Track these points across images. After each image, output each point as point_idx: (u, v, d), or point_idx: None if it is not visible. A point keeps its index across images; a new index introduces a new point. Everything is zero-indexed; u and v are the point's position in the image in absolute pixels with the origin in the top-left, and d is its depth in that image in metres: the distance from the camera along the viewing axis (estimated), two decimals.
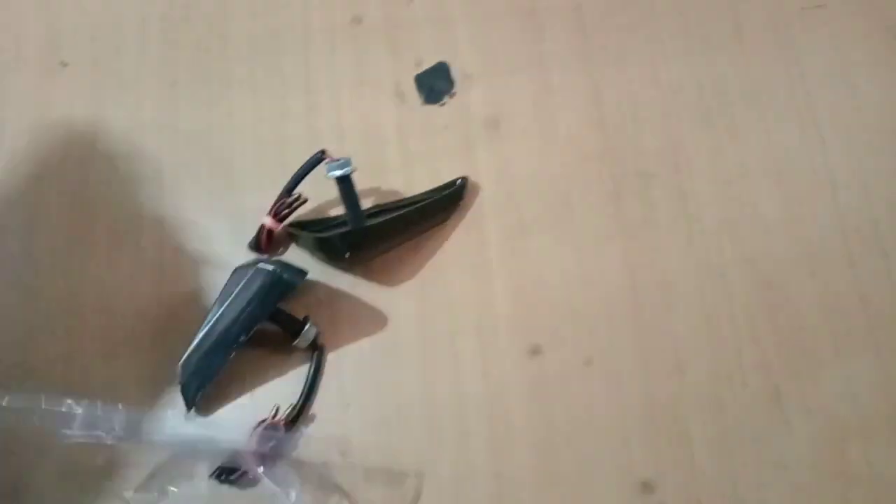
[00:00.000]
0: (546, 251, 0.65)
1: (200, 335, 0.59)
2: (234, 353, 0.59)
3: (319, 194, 0.66)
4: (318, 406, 0.61)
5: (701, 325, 0.63)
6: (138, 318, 0.64)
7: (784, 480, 0.59)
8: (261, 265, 0.59)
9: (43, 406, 0.55)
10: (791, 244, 0.65)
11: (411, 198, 0.66)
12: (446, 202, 0.66)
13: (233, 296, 0.59)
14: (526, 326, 0.63)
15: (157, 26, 0.73)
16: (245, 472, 0.57)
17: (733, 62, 0.70)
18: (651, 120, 0.69)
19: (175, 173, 0.68)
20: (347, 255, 0.61)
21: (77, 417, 0.56)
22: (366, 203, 0.65)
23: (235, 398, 0.62)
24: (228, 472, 0.57)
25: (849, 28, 0.71)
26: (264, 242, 0.64)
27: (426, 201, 0.64)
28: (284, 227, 0.64)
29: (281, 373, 0.62)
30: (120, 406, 0.57)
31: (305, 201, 0.64)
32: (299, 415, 0.60)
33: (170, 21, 0.73)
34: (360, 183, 0.62)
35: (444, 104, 0.70)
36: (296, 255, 0.65)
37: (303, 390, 0.61)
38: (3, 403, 0.55)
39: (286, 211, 0.63)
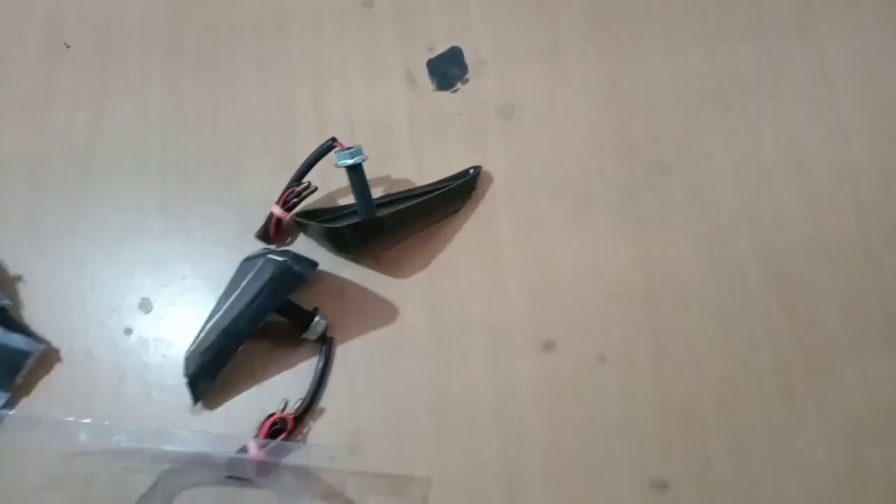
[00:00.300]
0: (559, 243, 0.64)
1: (208, 327, 0.58)
2: (242, 346, 0.58)
3: (328, 183, 0.65)
4: (327, 400, 0.60)
5: (716, 321, 0.62)
6: (143, 307, 0.63)
7: (799, 480, 0.59)
8: (270, 256, 0.57)
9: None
10: (810, 239, 0.64)
11: (423, 187, 0.65)
12: (459, 192, 0.64)
13: (241, 287, 0.57)
14: (539, 321, 0.62)
15: (165, 8, 0.71)
16: (251, 480, 0.56)
17: (754, 51, 0.68)
18: (669, 110, 0.67)
19: (180, 159, 0.67)
20: (357, 245, 0.59)
21: (85, 428, 0.55)
22: (376, 192, 0.63)
23: (243, 391, 0.60)
24: (237, 478, 0.57)
25: (872, 18, 0.69)
26: (272, 232, 0.62)
27: (438, 191, 0.63)
28: (293, 216, 0.63)
29: (289, 365, 0.61)
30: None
31: (315, 190, 0.62)
32: (308, 408, 0.59)
33: (177, 3, 0.71)
34: (369, 171, 0.60)
35: (456, 90, 0.68)
36: (304, 245, 0.64)
37: (311, 384, 0.60)
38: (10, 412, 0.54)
39: (295, 200, 0.62)
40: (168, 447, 0.56)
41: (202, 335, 0.58)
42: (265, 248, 0.62)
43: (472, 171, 0.65)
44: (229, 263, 0.62)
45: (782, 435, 0.59)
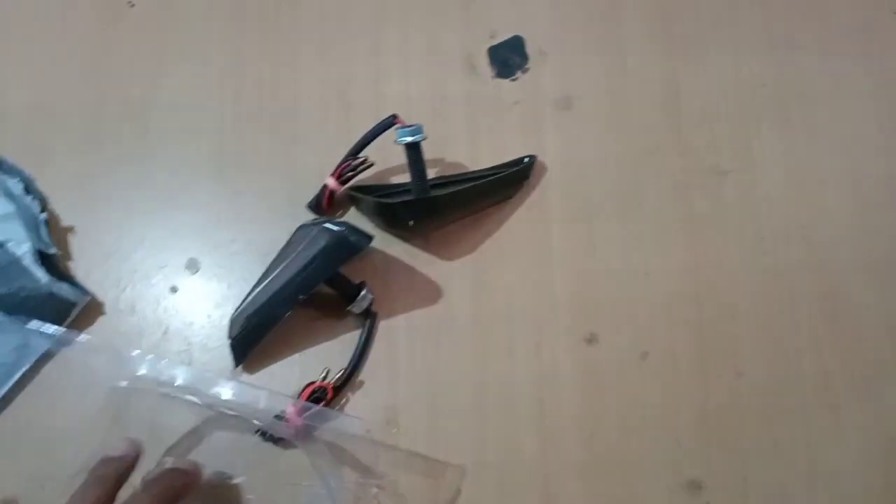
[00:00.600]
0: (609, 239, 0.64)
1: (256, 291, 0.58)
2: (289, 313, 0.58)
3: (381, 160, 0.65)
4: (367, 373, 0.60)
5: (761, 330, 0.62)
6: (190, 267, 0.63)
7: (833, 493, 0.58)
8: (327, 225, 0.57)
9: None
10: (860, 254, 0.64)
11: (477, 172, 0.65)
12: (512, 179, 0.64)
13: (295, 253, 0.57)
14: (583, 313, 0.62)
15: None
16: (286, 440, 0.56)
17: (816, 62, 0.68)
18: (728, 115, 0.67)
19: (236, 126, 0.67)
20: (411, 223, 0.60)
21: (144, 362, 0.56)
22: (429, 173, 0.63)
23: (284, 358, 0.60)
24: (272, 437, 0.57)
25: None
26: (325, 204, 0.62)
27: (493, 177, 0.63)
28: (346, 189, 0.63)
29: (331, 336, 0.61)
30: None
31: (371, 165, 0.62)
32: (348, 380, 0.59)
33: None
34: (425, 152, 0.60)
35: (515, 79, 0.68)
36: (354, 220, 0.64)
37: (353, 356, 0.60)
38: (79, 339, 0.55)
39: (350, 173, 0.62)
40: (216, 390, 0.56)
41: (250, 298, 0.59)
42: (321, 218, 0.62)
43: (526, 159, 0.65)
44: (278, 231, 0.62)
45: (820, 449, 0.59)
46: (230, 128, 0.67)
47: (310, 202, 0.63)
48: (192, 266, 0.63)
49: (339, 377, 0.59)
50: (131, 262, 0.63)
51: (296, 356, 0.60)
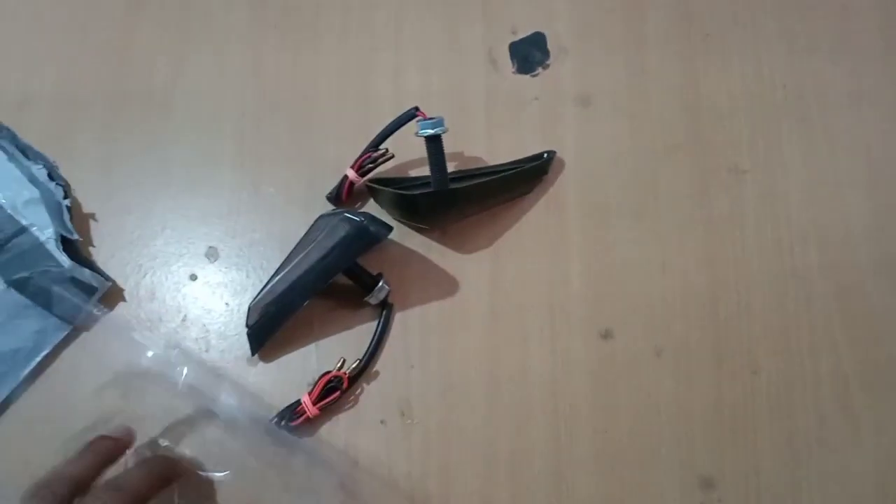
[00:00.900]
0: (626, 236, 0.64)
1: (275, 279, 0.59)
2: (306, 302, 0.58)
3: (401, 153, 0.65)
4: (382, 364, 0.61)
5: (777, 329, 0.62)
6: (209, 255, 0.64)
7: (846, 493, 0.58)
8: (347, 214, 0.58)
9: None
10: (877, 256, 0.64)
11: (495, 166, 0.65)
12: (531, 175, 0.64)
13: (314, 243, 0.58)
14: (599, 309, 0.62)
15: None
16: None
17: (838, 65, 0.68)
18: (747, 115, 0.67)
19: (257, 116, 0.67)
20: (428, 215, 0.60)
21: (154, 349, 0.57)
22: (448, 167, 0.63)
23: (300, 347, 0.61)
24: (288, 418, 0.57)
25: None
26: (344, 195, 0.63)
27: (511, 171, 0.63)
28: (365, 181, 0.63)
29: (347, 326, 0.62)
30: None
31: (392, 157, 0.63)
32: (363, 370, 0.60)
33: None
34: (444, 146, 0.61)
35: (536, 75, 0.68)
36: (373, 211, 0.64)
37: (368, 346, 0.60)
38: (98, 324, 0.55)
39: (370, 165, 0.63)
40: (220, 393, 0.57)
41: (268, 287, 0.59)
42: (341, 209, 0.62)
43: (545, 155, 0.65)
44: (298, 221, 0.62)
45: (834, 449, 0.59)
46: (251, 117, 0.67)
47: (329, 193, 0.64)
48: (212, 254, 0.64)
49: (354, 367, 0.59)
50: (151, 249, 0.64)
51: (312, 346, 0.61)
